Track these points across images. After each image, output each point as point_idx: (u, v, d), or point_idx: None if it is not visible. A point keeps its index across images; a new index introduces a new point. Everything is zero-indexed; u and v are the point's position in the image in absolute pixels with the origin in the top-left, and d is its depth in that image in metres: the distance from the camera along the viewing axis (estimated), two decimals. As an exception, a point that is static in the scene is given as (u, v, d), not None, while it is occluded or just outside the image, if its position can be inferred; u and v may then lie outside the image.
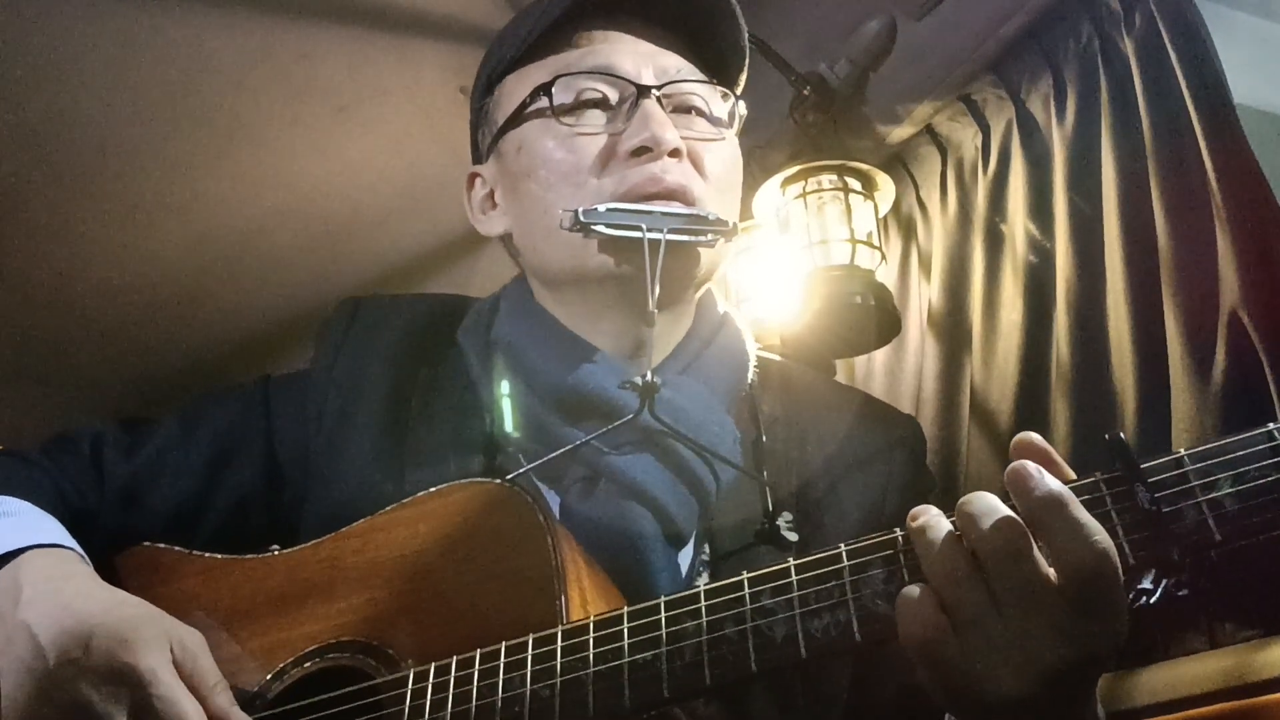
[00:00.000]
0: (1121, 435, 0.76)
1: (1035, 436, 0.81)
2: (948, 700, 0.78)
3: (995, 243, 1.96)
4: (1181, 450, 0.75)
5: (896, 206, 2.17)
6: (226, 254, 2.62)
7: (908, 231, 2.21)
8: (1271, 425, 0.73)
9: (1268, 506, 0.71)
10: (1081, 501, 0.75)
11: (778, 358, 1.31)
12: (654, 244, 1.07)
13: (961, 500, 0.78)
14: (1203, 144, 1.58)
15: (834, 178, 1.97)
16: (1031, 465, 0.77)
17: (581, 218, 1.08)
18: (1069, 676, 0.74)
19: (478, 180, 1.25)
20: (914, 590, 0.77)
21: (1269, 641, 1.36)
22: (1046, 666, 0.73)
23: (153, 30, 2.00)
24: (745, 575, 0.84)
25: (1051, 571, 0.74)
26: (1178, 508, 0.74)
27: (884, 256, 2.02)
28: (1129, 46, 1.73)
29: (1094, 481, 0.78)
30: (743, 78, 1.25)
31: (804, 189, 1.99)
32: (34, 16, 1.94)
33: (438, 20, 2.06)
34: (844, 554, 0.82)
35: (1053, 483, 0.75)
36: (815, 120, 2.02)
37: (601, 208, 1.09)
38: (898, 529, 0.81)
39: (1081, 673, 0.75)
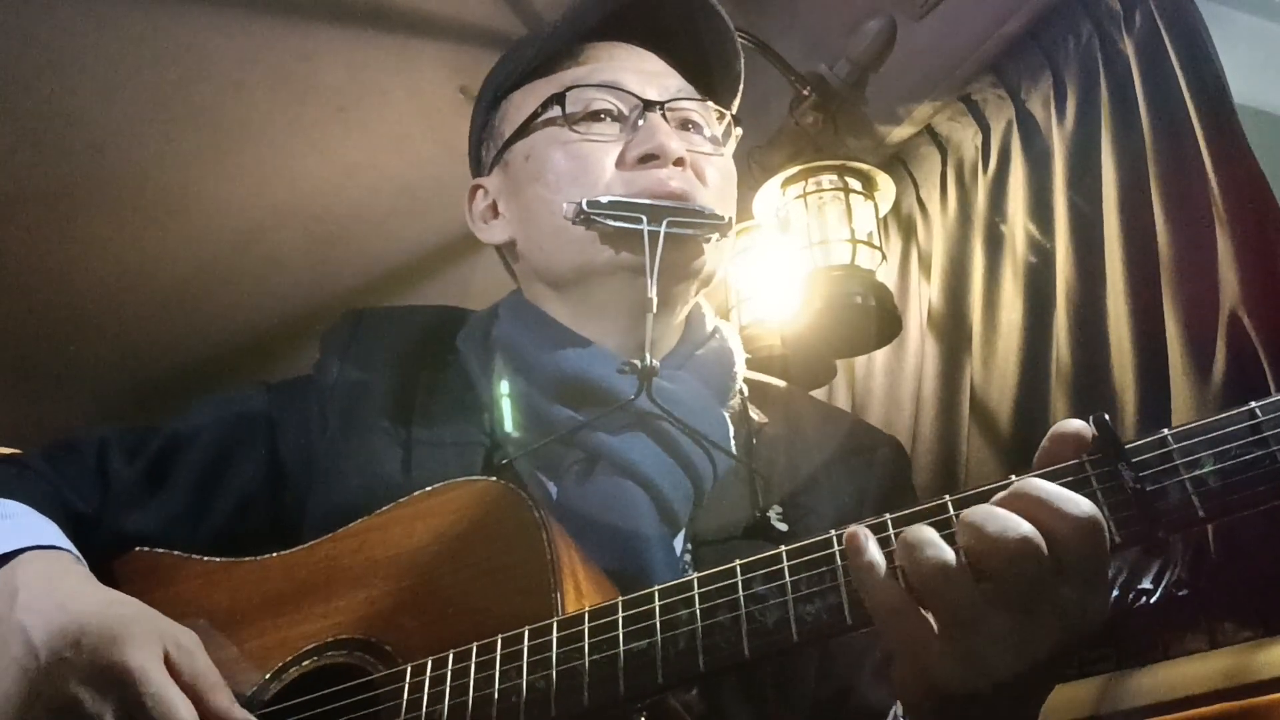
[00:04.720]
0: (1105, 416, 0.77)
1: (1078, 424, 0.79)
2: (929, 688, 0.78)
3: (995, 243, 1.96)
4: (1165, 430, 0.76)
5: (896, 206, 2.17)
6: (226, 254, 2.61)
7: (908, 231, 2.21)
8: (1254, 403, 0.74)
9: (1250, 483, 0.72)
10: (1067, 481, 0.76)
11: (767, 378, 1.36)
12: (654, 236, 1.13)
13: (964, 513, 0.76)
14: (1203, 144, 1.58)
15: (834, 178, 1.97)
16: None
17: (585, 208, 1.14)
18: (1060, 659, 0.75)
19: (479, 192, 1.31)
20: (895, 593, 0.77)
21: (1269, 641, 1.36)
22: (1051, 645, 0.74)
23: (153, 30, 2.00)
24: (738, 563, 0.84)
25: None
26: (1161, 486, 0.74)
27: (884, 256, 2.02)
28: (1129, 46, 1.73)
29: (1079, 463, 0.78)
30: (737, 101, 1.32)
31: (804, 189, 1.99)
32: (34, 16, 1.94)
33: (438, 20, 2.06)
34: (834, 539, 0.82)
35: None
36: (815, 120, 2.02)
37: (604, 199, 1.15)
38: (887, 514, 0.81)
39: (1072, 652, 0.76)
